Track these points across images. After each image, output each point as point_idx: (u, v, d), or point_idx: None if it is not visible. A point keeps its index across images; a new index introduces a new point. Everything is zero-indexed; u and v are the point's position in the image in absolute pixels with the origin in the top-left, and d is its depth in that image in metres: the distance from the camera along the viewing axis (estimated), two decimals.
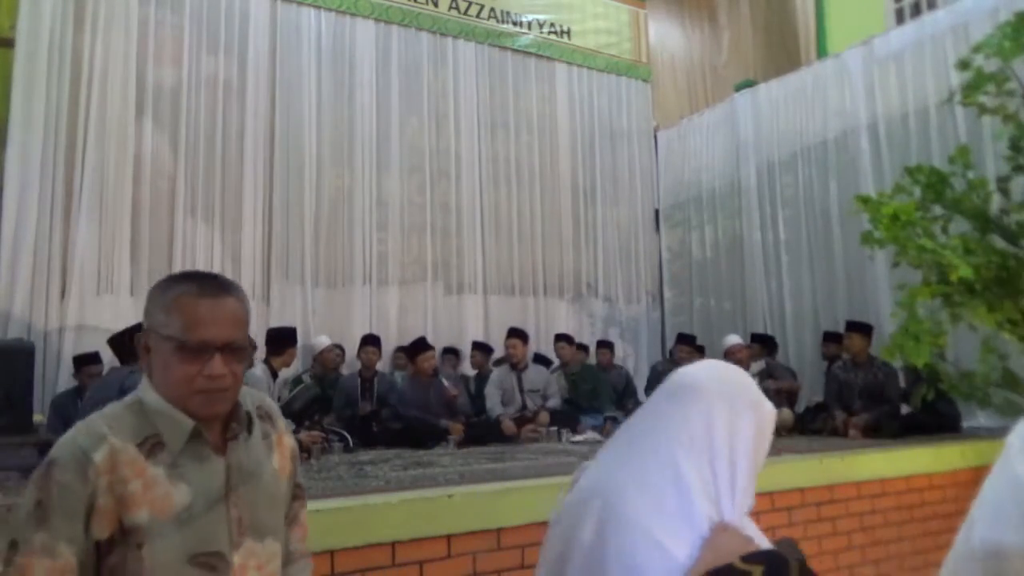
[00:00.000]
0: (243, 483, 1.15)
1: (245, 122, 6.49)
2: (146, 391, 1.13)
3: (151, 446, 1.09)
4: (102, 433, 1.07)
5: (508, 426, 5.26)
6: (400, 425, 5.29)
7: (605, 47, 8.82)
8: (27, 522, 1.01)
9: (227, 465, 1.14)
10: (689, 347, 6.52)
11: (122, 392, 3.70)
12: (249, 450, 1.18)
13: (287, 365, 4.97)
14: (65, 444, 1.07)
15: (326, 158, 6.88)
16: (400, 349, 6.73)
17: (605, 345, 7.28)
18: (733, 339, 6.07)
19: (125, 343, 4.04)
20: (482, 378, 6.36)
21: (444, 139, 7.57)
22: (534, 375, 5.84)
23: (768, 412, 1.18)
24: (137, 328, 4.25)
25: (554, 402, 5.79)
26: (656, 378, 6.85)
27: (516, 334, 5.88)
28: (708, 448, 1.13)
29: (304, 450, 4.48)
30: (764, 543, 1.10)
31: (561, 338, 6.75)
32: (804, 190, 7.37)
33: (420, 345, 5.57)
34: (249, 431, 1.19)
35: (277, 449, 1.25)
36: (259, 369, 4.72)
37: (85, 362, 4.92)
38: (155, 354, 1.11)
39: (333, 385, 5.86)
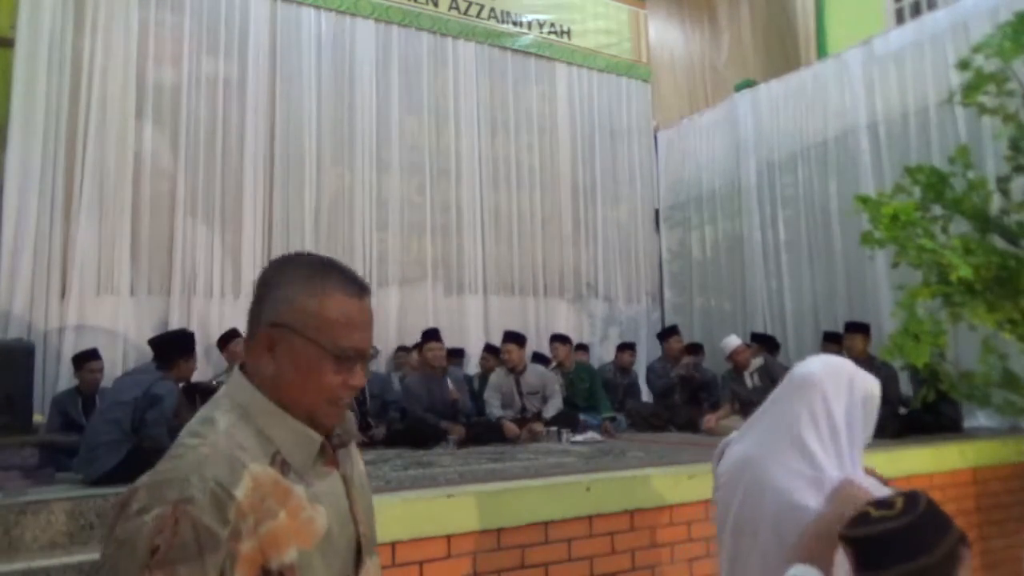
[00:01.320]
0: (358, 495, 1.03)
1: (245, 122, 6.49)
2: (253, 396, 0.93)
3: (280, 464, 0.91)
4: (238, 460, 0.86)
5: (510, 428, 5.26)
6: (402, 426, 5.30)
7: (605, 47, 8.82)
8: None
9: (342, 477, 1.01)
10: (676, 336, 7.08)
11: (148, 397, 3.75)
12: (350, 458, 1.06)
13: None
14: (190, 473, 0.82)
15: (326, 158, 6.87)
16: (401, 348, 6.73)
17: (627, 348, 7.28)
18: (734, 341, 6.07)
19: (171, 350, 4.10)
20: (486, 379, 6.36)
21: (444, 139, 7.57)
22: (532, 377, 5.84)
23: (871, 389, 1.51)
24: (182, 336, 4.32)
25: (556, 402, 5.78)
26: (657, 378, 6.86)
27: (512, 339, 5.83)
28: (827, 424, 1.44)
29: None
30: (884, 491, 1.37)
31: (556, 338, 6.75)
32: (804, 190, 7.37)
33: (429, 335, 5.51)
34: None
35: (357, 452, 1.11)
36: None
37: (86, 359, 4.93)
38: (288, 355, 0.92)
39: None
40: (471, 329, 7.37)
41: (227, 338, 5.61)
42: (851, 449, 1.44)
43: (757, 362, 6.00)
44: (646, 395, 7.51)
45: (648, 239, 8.96)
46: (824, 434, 1.45)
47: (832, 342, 6.14)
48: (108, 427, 3.65)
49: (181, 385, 4.83)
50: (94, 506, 3.10)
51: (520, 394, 5.72)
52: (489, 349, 6.91)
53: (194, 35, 6.34)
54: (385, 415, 5.71)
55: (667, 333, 7.24)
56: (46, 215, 5.52)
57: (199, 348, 5.74)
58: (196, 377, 5.51)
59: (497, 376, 5.87)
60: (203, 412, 0.94)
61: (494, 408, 5.64)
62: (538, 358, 6.67)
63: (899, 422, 4.90)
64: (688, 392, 6.64)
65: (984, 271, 4.00)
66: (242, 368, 0.97)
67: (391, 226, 7.13)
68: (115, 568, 0.79)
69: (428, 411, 5.25)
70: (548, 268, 8.10)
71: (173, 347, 4.17)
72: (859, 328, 5.55)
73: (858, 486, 1.37)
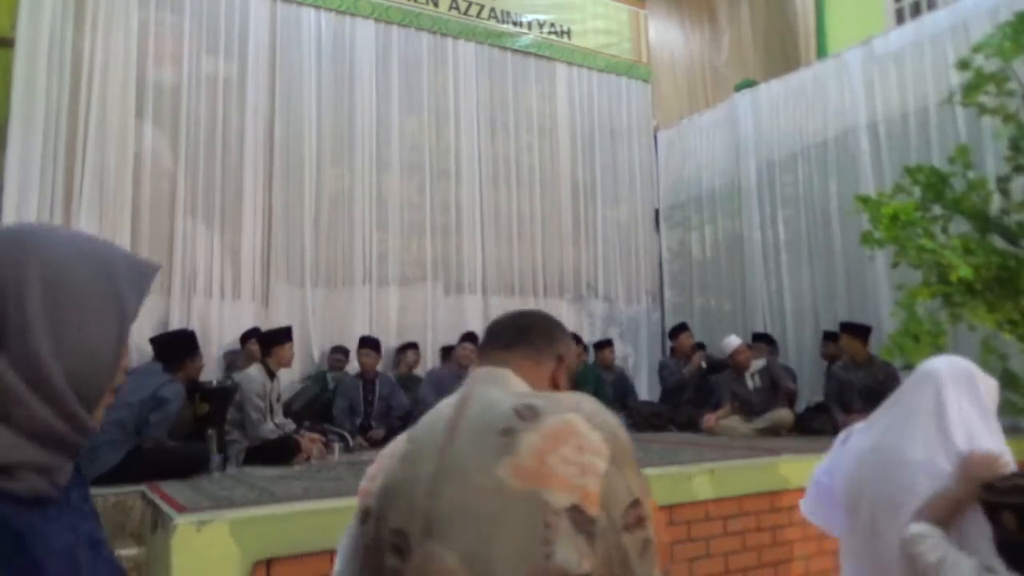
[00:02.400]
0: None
1: (245, 122, 6.49)
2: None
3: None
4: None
5: None
6: (401, 426, 5.30)
7: (605, 47, 8.82)
8: None
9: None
10: (687, 332, 7.19)
11: (154, 399, 3.75)
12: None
13: (284, 365, 4.97)
14: None
15: (326, 158, 6.87)
16: (399, 349, 6.74)
17: (607, 345, 7.31)
18: (735, 341, 6.07)
19: (177, 351, 4.11)
20: None
21: (444, 139, 7.57)
22: None
23: (987, 384, 1.73)
24: (185, 335, 4.32)
25: None
26: (670, 374, 6.89)
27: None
28: (956, 409, 1.65)
29: (304, 450, 4.49)
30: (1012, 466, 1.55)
31: None
32: (804, 190, 7.37)
33: (464, 336, 5.81)
34: None
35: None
36: (254, 370, 4.72)
37: None
38: (564, 376, 1.27)
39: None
40: (471, 329, 7.36)
41: (247, 337, 5.65)
42: (972, 430, 1.62)
43: (759, 363, 6.00)
44: (643, 394, 7.53)
45: (648, 239, 8.96)
46: (953, 418, 1.64)
47: (831, 341, 6.15)
48: (111, 427, 3.65)
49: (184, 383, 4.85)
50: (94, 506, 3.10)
51: None
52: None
53: (194, 35, 6.34)
54: (388, 417, 5.72)
55: (677, 330, 7.27)
56: (46, 215, 5.51)
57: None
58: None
59: None
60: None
61: None
62: None
63: None
64: (696, 389, 6.67)
65: (984, 271, 4.01)
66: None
67: (391, 226, 7.13)
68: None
69: None
70: (548, 268, 8.10)
71: (179, 348, 4.18)
72: (853, 328, 5.54)
73: (987, 455, 1.55)
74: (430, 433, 1.07)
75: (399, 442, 1.13)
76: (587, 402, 1.06)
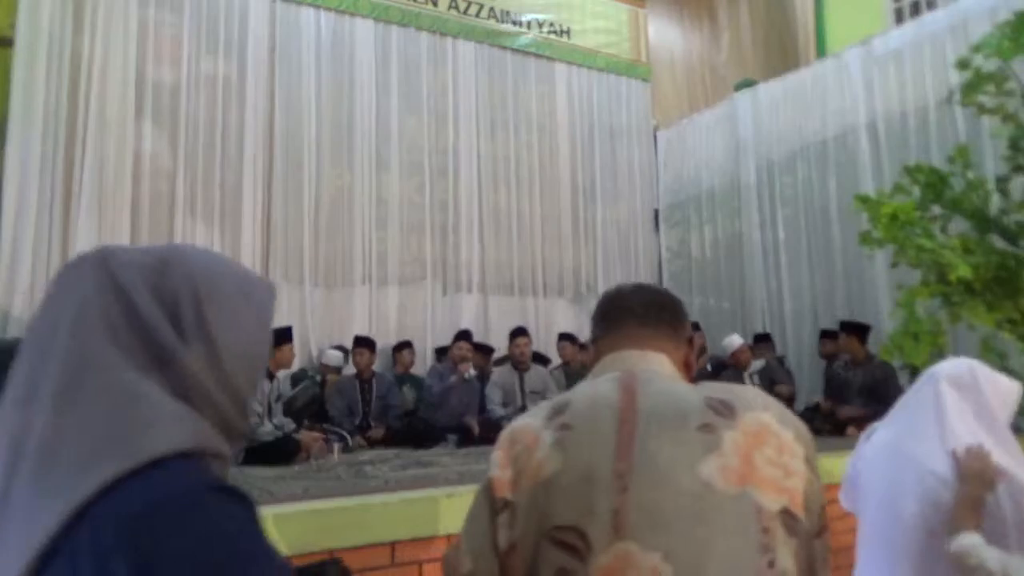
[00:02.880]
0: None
1: (244, 121, 6.48)
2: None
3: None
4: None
5: None
6: (400, 425, 5.32)
7: (605, 47, 8.81)
8: None
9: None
10: (699, 332, 7.00)
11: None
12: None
13: (284, 366, 4.96)
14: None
15: (325, 157, 6.87)
16: (396, 348, 6.73)
17: (566, 338, 6.95)
18: (736, 340, 6.08)
19: None
20: (482, 379, 6.36)
21: (443, 138, 7.57)
22: (535, 376, 5.85)
23: (998, 386, 1.74)
24: None
25: None
26: None
27: (523, 332, 5.95)
28: (957, 409, 1.69)
29: (303, 450, 4.49)
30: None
31: (564, 337, 6.77)
32: (803, 189, 7.38)
33: (459, 335, 5.89)
34: None
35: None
36: None
37: None
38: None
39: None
40: (470, 328, 7.35)
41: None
42: (988, 433, 1.66)
43: (758, 364, 6.00)
44: None
45: (648, 239, 8.96)
46: (950, 421, 1.69)
47: (829, 339, 6.15)
48: None
49: None
50: None
51: (523, 392, 5.74)
52: (479, 348, 6.90)
53: (193, 34, 6.33)
54: (386, 417, 5.71)
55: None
56: (45, 214, 5.51)
57: None
58: None
59: (500, 373, 5.88)
60: None
61: (495, 406, 5.64)
62: (537, 358, 6.67)
63: None
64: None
65: (983, 271, 4.01)
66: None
67: (390, 225, 7.13)
68: None
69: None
70: (547, 267, 8.10)
71: None
72: (853, 328, 5.54)
73: (971, 448, 1.60)
74: (593, 422, 0.98)
75: (535, 428, 1.01)
76: (768, 398, 1.02)
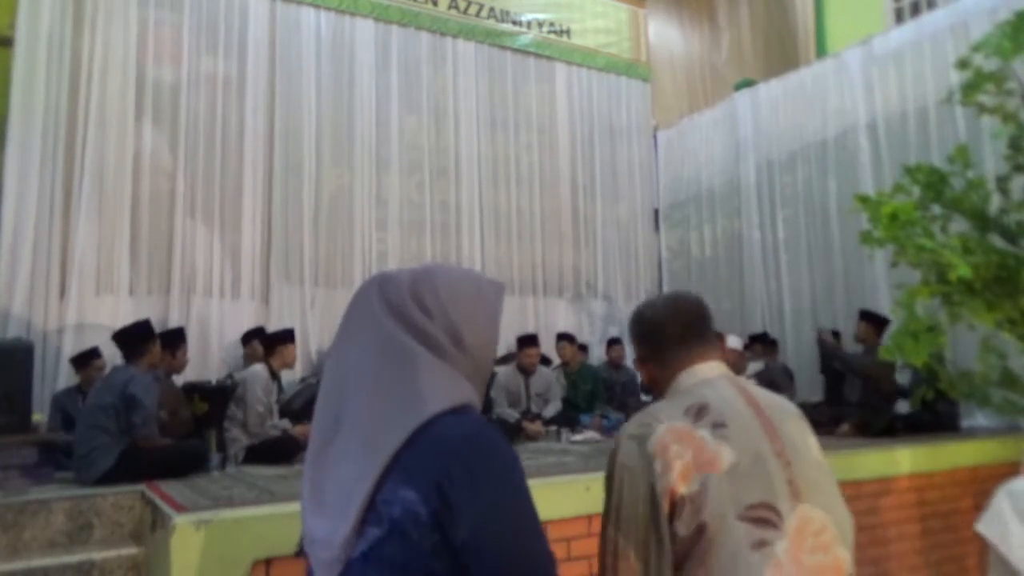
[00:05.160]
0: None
1: (245, 121, 6.49)
2: None
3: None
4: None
5: (535, 429, 5.29)
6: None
7: (605, 46, 8.82)
8: None
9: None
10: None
11: (124, 399, 3.71)
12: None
13: (287, 366, 4.96)
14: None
15: (326, 157, 6.87)
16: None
17: (616, 343, 7.16)
18: (734, 341, 6.05)
19: (131, 341, 4.04)
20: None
21: (443, 138, 7.57)
22: (540, 379, 5.85)
23: None
24: (146, 325, 4.27)
25: (555, 406, 5.78)
26: None
27: (534, 342, 5.98)
28: None
29: (304, 449, 4.48)
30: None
31: (563, 337, 6.76)
32: (803, 189, 7.38)
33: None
34: None
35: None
36: (259, 367, 4.73)
37: (90, 357, 4.95)
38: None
39: None
40: None
41: (249, 337, 5.66)
42: None
43: (756, 366, 5.96)
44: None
45: (648, 238, 8.96)
46: None
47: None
48: (93, 432, 3.63)
49: (183, 382, 4.83)
50: (93, 506, 3.10)
51: (528, 395, 5.74)
52: None
53: (193, 34, 6.33)
54: None
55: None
56: (45, 214, 5.52)
57: (197, 347, 5.76)
58: (196, 375, 5.52)
59: (505, 375, 5.86)
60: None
61: (501, 407, 5.64)
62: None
63: (901, 421, 4.90)
64: None
65: (983, 270, 4.00)
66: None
67: (390, 225, 7.13)
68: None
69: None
70: (547, 267, 8.10)
71: (133, 338, 4.06)
72: (872, 318, 5.50)
73: None
74: (740, 418, 1.18)
75: (688, 429, 1.15)
76: None
